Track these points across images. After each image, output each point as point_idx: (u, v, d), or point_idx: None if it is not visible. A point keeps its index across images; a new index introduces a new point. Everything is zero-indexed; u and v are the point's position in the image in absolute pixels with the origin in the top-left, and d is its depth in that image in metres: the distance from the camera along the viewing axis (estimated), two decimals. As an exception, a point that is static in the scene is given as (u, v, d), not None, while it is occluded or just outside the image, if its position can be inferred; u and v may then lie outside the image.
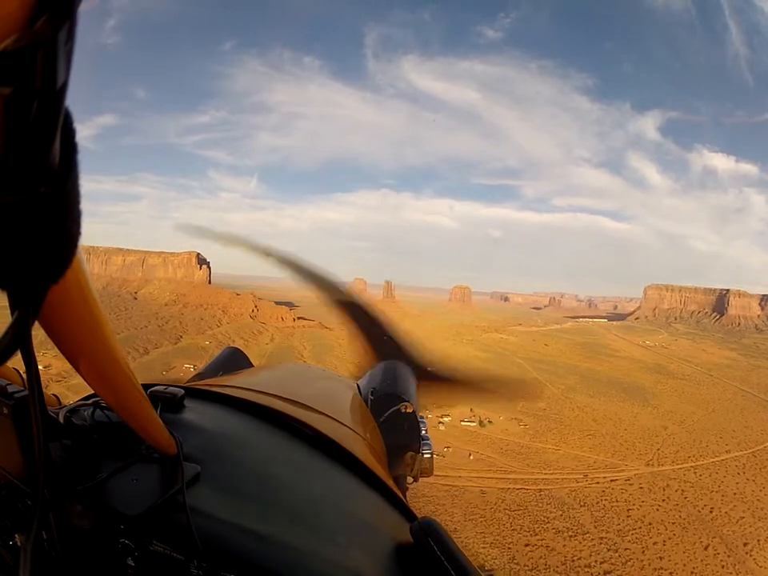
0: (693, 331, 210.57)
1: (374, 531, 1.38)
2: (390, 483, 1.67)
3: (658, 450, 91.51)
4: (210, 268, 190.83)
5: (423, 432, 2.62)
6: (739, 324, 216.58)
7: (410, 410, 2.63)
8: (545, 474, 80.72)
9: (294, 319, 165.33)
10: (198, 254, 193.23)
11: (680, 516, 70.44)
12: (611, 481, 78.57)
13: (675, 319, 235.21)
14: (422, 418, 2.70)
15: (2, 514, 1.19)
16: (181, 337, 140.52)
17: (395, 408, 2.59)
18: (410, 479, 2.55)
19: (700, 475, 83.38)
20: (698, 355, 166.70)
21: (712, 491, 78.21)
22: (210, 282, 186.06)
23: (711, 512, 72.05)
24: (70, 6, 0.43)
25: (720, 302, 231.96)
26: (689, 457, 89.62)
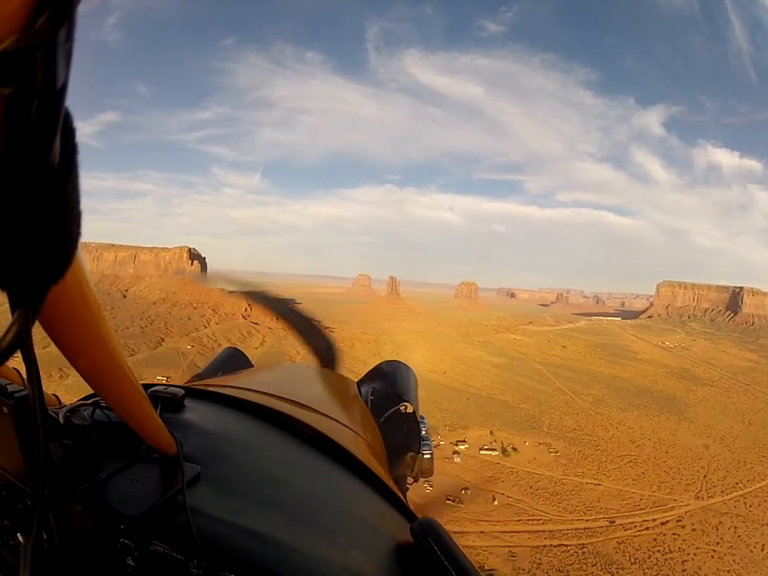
0: (709, 330, 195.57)
1: (374, 531, 1.35)
2: (391, 483, 1.63)
3: (705, 476, 79.28)
4: (204, 263, 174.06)
5: (423, 432, 2.55)
6: (753, 323, 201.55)
7: (410, 410, 2.58)
8: (586, 520, 64.91)
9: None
10: (190, 248, 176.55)
11: (734, 560, 60.42)
12: (661, 524, 65.34)
13: (689, 317, 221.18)
14: (422, 418, 2.61)
15: (2, 513, 1.17)
16: (162, 340, 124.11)
17: (395, 408, 2.54)
18: (410, 479, 2.49)
19: (750, 506, 72.42)
20: (720, 357, 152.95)
21: (763, 524, 67.88)
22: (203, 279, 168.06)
23: (762, 550, 61.96)
24: (69, 6, 0.42)
25: (733, 300, 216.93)
26: (736, 483, 78.31)
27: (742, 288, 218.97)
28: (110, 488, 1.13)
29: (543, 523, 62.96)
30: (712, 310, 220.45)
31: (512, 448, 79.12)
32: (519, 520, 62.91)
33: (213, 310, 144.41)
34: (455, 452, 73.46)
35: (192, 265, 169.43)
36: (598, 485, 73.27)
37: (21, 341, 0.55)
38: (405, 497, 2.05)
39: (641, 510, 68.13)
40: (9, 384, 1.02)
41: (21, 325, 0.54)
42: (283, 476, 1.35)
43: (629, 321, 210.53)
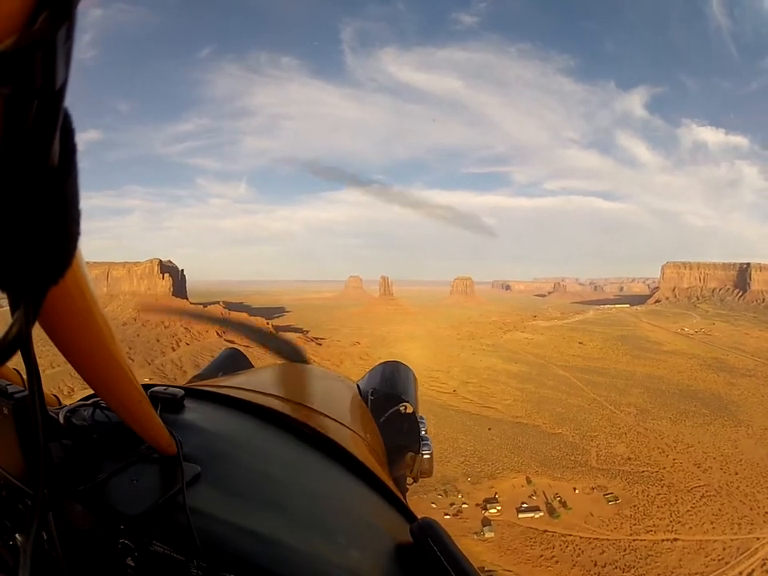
0: (722, 312, 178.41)
1: (374, 531, 1.33)
2: (390, 484, 1.61)
3: (781, 498, 63.68)
4: (181, 276, 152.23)
5: (423, 432, 2.51)
6: (764, 299, 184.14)
7: (410, 411, 2.54)
8: (673, 602, 47.15)
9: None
10: (161, 261, 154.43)
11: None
12: (748, 576, 50.52)
13: (698, 299, 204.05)
14: (421, 418, 2.57)
15: (2, 513, 1.15)
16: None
17: (395, 408, 2.49)
18: (410, 480, 2.47)
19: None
20: (745, 341, 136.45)
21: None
22: (178, 293, 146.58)
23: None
24: (68, 6, 0.41)
25: (741, 277, 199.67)
26: (812, 501, 64.38)
27: (749, 264, 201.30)
28: (109, 488, 1.11)
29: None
30: (720, 290, 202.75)
31: (559, 502, 59.28)
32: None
33: (185, 329, 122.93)
34: (485, 521, 53.48)
35: (163, 278, 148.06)
36: (675, 540, 55.20)
37: (21, 341, 0.54)
38: (405, 497, 2.00)
39: (726, 563, 52.53)
40: (9, 384, 1.01)
41: (21, 325, 0.53)
42: (283, 476, 1.32)
43: (638, 307, 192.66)
